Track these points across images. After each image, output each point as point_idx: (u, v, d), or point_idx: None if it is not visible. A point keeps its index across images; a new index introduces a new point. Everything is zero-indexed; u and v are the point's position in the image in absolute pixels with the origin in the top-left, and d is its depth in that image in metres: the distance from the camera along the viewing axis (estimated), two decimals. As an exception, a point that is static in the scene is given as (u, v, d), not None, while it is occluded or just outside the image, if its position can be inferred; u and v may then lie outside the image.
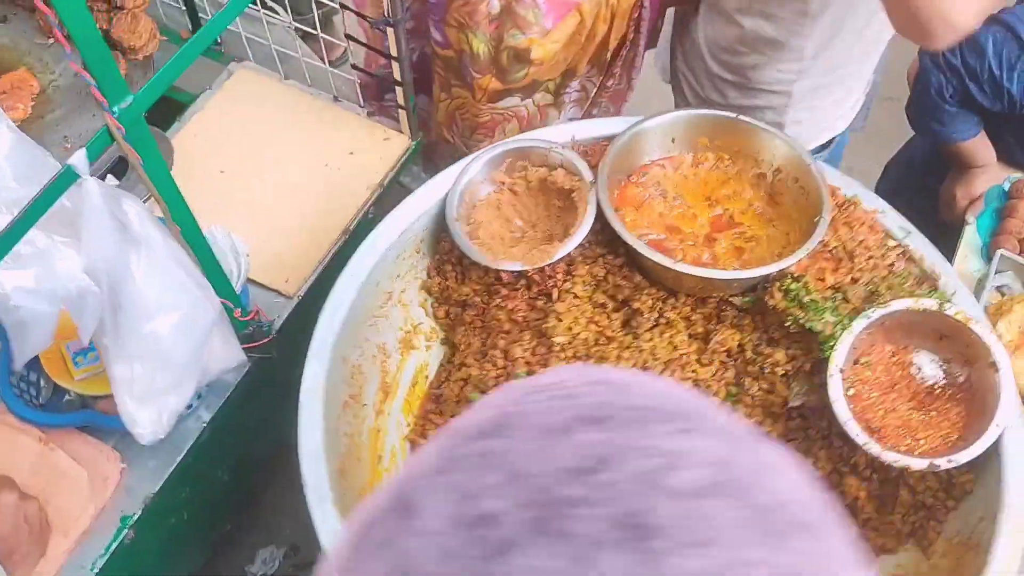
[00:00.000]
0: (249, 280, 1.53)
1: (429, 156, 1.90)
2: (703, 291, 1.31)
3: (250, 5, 1.65)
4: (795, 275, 1.27)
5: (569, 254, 1.31)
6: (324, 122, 1.71)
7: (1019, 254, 1.64)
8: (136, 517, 1.36)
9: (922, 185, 1.96)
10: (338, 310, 1.24)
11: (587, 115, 1.89)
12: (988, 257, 1.63)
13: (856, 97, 1.76)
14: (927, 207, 1.88)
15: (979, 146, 1.76)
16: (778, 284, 1.27)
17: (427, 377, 1.43)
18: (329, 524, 1.09)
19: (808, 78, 1.65)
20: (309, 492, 1.11)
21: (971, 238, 1.69)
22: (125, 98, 1.05)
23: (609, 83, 1.84)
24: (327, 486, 1.11)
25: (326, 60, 1.75)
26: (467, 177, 1.35)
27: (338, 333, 1.23)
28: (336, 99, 1.75)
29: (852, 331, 1.23)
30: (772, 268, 1.24)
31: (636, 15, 1.71)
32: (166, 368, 1.19)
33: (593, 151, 1.38)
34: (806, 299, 1.25)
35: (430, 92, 1.78)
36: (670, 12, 1.87)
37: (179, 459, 1.41)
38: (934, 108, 1.71)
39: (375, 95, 1.82)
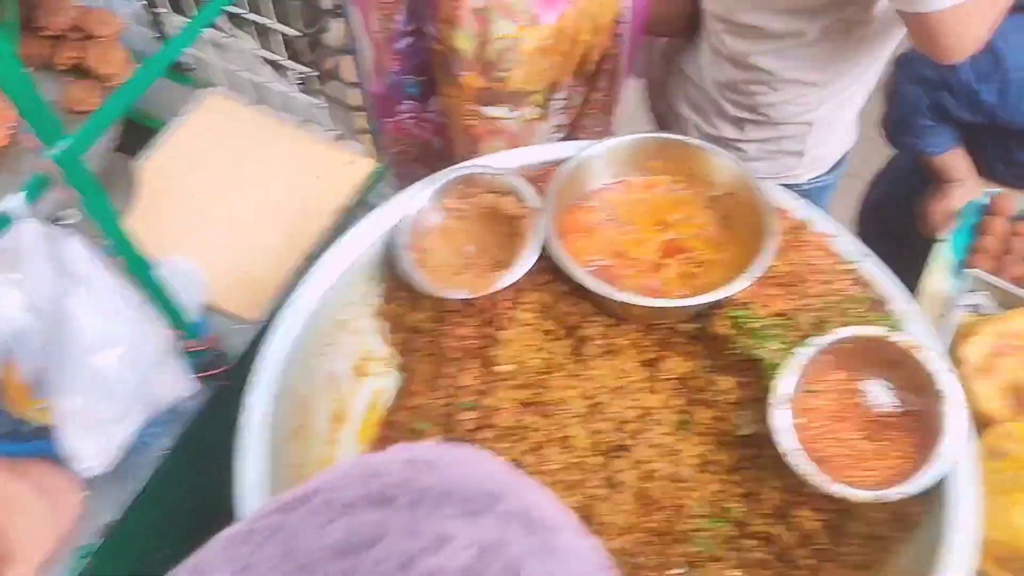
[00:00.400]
0: (211, 307, 1.55)
1: (449, 156, 1.93)
2: (651, 318, 1.30)
3: (218, 30, 1.68)
4: (742, 302, 1.25)
5: (517, 281, 1.30)
6: (292, 147, 1.73)
7: (995, 273, 1.61)
8: (97, 545, 1.38)
9: (908, 196, 1.93)
10: (283, 341, 1.25)
11: (579, 127, 1.89)
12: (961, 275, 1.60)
13: (861, 106, 1.76)
14: (912, 219, 1.86)
15: (955, 160, 1.73)
16: (724, 311, 1.26)
17: (384, 403, 1.43)
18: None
19: (825, 105, 1.65)
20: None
21: (945, 255, 1.66)
22: (61, 142, 1.07)
23: (596, 96, 1.85)
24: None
25: (297, 84, 1.76)
26: (416, 204, 1.35)
27: (283, 364, 1.24)
28: (304, 123, 1.76)
29: (797, 359, 1.21)
30: (714, 297, 1.22)
31: (617, 30, 1.72)
32: (110, 401, 1.20)
33: (544, 176, 1.37)
34: (751, 327, 1.23)
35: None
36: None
37: (141, 486, 1.43)
38: (909, 122, 1.69)
39: (385, 112, 1.84)
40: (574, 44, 1.66)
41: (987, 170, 1.78)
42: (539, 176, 1.38)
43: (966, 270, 1.59)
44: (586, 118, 1.90)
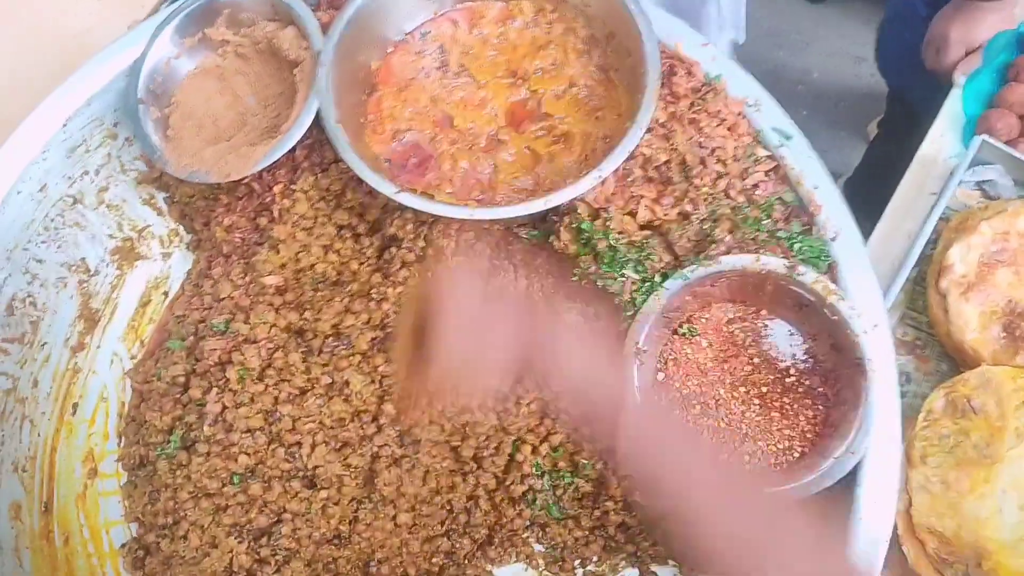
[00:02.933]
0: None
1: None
2: (473, 222, 0.92)
3: None
4: (594, 206, 0.86)
5: (293, 157, 0.93)
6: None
7: (1019, 138, 1.15)
8: None
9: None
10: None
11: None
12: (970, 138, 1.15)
13: None
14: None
15: None
16: (568, 220, 0.87)
17: (166, 293, 1.11)
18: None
19: None
20: None
21: (952, 109, 1.20)
22: None
23: None
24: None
25: None
26: (166, 38, 0.96)
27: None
28: None
29: (660, 297, 0.83)
30: (533, 208, 0.83)
31: None
32: None
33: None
34: (602, 245, 0.85)
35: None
36: None
37: None
38: None
39: None
40: None
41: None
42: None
43: (978, 135, 1.13)
44: None
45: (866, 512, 0.80)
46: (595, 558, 1.01)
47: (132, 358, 1.08)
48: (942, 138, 1.19)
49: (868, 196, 1.18)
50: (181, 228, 1.11)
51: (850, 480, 0.81)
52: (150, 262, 1.10)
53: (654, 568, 1.00)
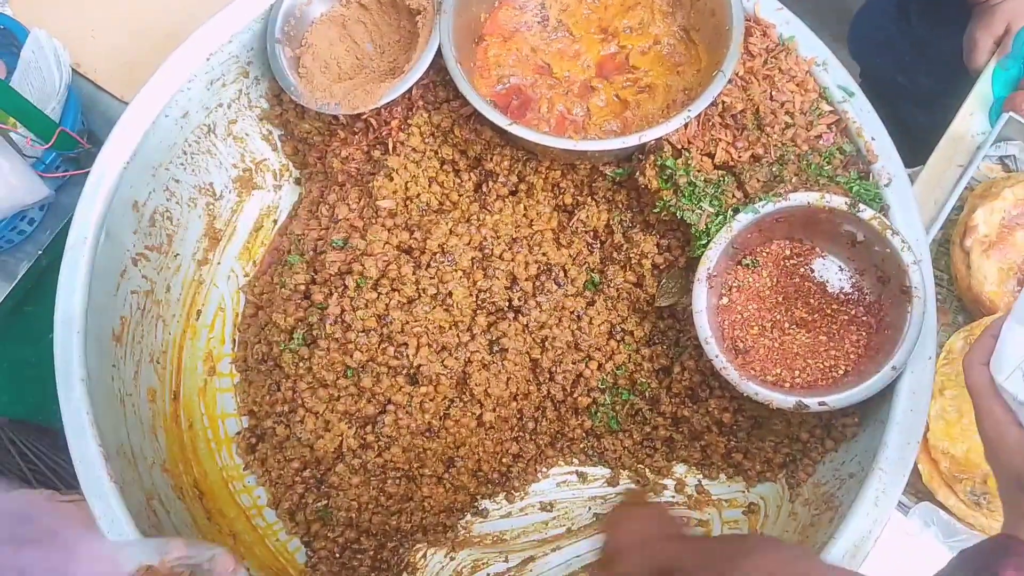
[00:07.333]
0: (101, 88, 1.34)
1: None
2: (564, 157, 1.06)
3: None
4: (677, 147, 1.00)
5: (409, 96, 1.06)
6: None
7: (1043, 116, 1.28)
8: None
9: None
10: (116, 148, 1.04)
11: None
12: (997, 118, 1.28)
13: None
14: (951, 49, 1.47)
15: None
16: (653, 158, 1.00)
17: (275, 221, 1.24)
18: (73, 404, 0.95)
19: None
20: (58, 367, 0.97)
21: (983, 90, 1.33)
22: None
23: None
24: (77, 360, 0.97)
25: None
26: (300, -14, 1.09)
27: (119, 176, 1.03)
28: None
29: (731, 228, 0.97)
30: (628, 142, 0.96)
31: None
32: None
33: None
34: (681, 181, 0.98)
35: None
36: None
37: (14, 284, 1.30)
38: None
39: None
40: None
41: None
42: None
43: (1006, 111, 1.27)
44: None
45: (901, 416, 0.94)
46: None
47: (246, 275, 1.22)
48: (971, 117, 1.32)
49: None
50: (291, 164, 1.24)
51: (889, 391, 0.95)
52: (264, 192, 1.23)
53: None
